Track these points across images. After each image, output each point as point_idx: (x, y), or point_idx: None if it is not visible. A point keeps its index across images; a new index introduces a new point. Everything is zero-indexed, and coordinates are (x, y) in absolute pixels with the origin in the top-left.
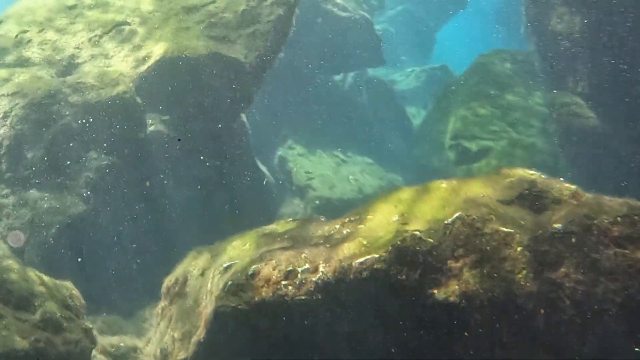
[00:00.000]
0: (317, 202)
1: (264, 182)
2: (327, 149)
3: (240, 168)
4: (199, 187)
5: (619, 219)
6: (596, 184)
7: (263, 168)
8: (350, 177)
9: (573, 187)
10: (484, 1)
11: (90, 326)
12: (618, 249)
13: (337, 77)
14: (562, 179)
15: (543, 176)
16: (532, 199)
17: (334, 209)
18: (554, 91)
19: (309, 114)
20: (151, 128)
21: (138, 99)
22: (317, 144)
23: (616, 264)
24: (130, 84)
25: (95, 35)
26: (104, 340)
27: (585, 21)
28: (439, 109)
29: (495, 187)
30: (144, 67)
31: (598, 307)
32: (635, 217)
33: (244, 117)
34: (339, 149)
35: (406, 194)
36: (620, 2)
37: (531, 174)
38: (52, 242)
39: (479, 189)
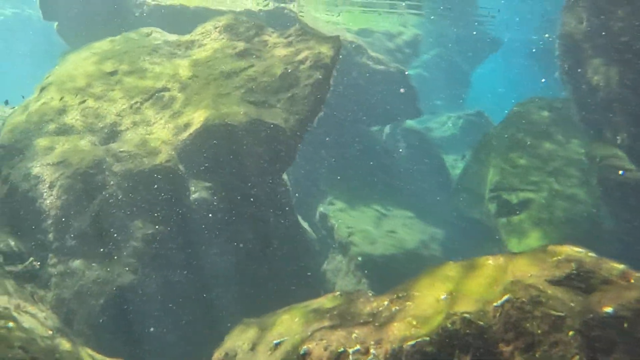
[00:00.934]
0: (360, 258)
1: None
2: (368, 203)
3: (283, 229)
4: (243, 252)
5: None
6: (638, 237)
7: (305, 224)
8: (392, 231)
9: (621, 266)
10: (518, 42)
11: None
12: None
13: (375, 128)
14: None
15: (590, 254)
16: (581, 279)
17: (376, 265)
18: (593, 142)
19: (348, 168)
20: (194, 195)
21: (180, 167)
22: (357, 198)
23: None
24: (172, 152)
25: (136, 102)
26: None
27: (622, 73)
28: (477, 160)
29: (542, 266)
30: (185, 135)
31: None
32: None
33: (285, 175)
34: (379, 203)
35: (453, 270)
36: None
37: (578, 251)
38: (100, 312)
39: (526, 268)
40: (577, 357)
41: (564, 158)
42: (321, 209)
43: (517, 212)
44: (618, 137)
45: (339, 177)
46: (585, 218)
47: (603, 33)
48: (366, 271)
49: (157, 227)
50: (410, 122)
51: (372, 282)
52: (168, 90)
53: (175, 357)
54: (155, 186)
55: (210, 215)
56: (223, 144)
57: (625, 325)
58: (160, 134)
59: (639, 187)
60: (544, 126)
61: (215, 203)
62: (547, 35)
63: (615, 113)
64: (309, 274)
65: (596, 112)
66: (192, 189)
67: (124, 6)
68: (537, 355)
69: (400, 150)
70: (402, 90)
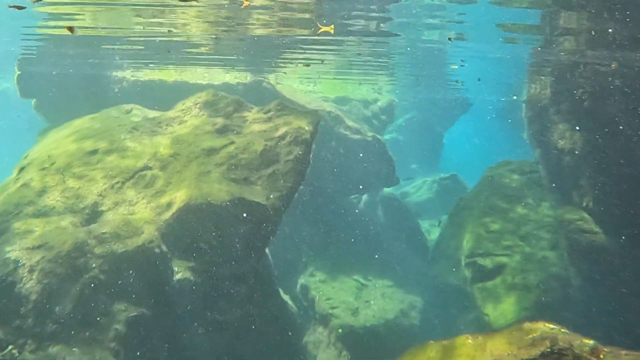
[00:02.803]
0: (340, 330)
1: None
2: (348, 273)
3: (267, 306)
4: (228, 331)
5: None
6: (606, 297)
7: (286, 297)
8: (372, 302)
9: (591, 342)
10: (486, 103)
11: None
12: None
13: (352, 197)
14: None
15: (563, 330)
16: (555, 357)
17: (357, 336)
18: (561, 206)
19: (327, 239)
20: (178, 276)
21: (164, 247)
22: (338, 268)
23: None
24: (155, 232)
25: (117, 182)
26: None
27: (586, 139)
28: (452, 225)
29: (519, 345)
30: (167, 214)
31: None
32: None
33: (267, 250)
34: (359, 273)
35: (434, 351)
36: (616, 121)
37: (552, 328)
38: None
39: (504, 347)
40: None
41: (535, 222)
42: (302, 280)
43: (492, 277)
44: (584, 201)
45: (319, 248)
46: (556, 281)
47: (566, 99)
48: (347, 343)
49: (141, 309)
50: (386, 189)
51: (353, 354)
52: (149, 169)
53: None
54: (138, 267)
55: (194, 295)
56: (206, 223)
57: None
58: (142, 214)
59: (605, 249)
60: (515, 190)
61: (199, 283)
62: (514, 97)
63: (581, 177)
64: (290, 346)
65: (563, 176)
66: (176, 269)
67: (103, 82)
68: None
69: (379, 216)
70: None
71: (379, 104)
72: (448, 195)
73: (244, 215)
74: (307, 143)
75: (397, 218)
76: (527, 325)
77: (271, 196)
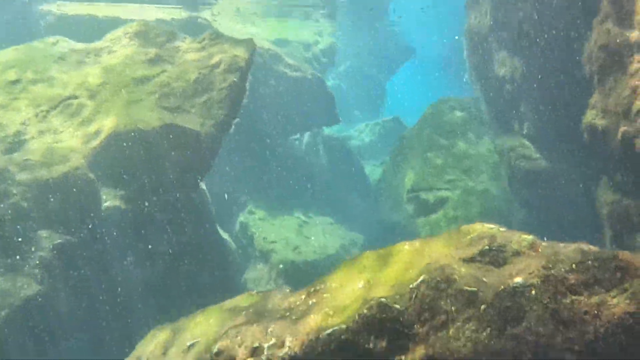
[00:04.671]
0: (281, 266)
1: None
2: (288, 211)
3: (202, 239)
4: (159, 262)
5: (574, 266)
6: (548, 224)
7: (225, 235)
8: (313, 238)
9: (530, 237)
10: (431, 50)
11: None
12: (574, 297)
13: (294, 137)
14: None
15: (501, 229)
16: (493, 254)
17: (298, 272)
18: (502, 135)
19: (268, 178)
20: (107, 204)
21: (91, 174)
22: (278, 207)
23: (573, 312)
24: (82, 160)
25: (42, 111)
26: None
27: (526, 64)
28: (394, 163)
29: (457, 246)
30: (95, 142)
31: (558, 356)
32: (589, 263)
33: (203, 185)
34: (300, 211)
35: (370, 259)
36: (550, 45)
37: (490, 228)
38: (3, 325)
39: (441, 249)
40: (489, 329)
41: (476, 156)
42: (241, 218)
43: (435, 211)
44: (524, 128)
45: (259, 187)
46: (498, 212)
47: (506, 25)
48: (288, 278)
49: (66, 237)
50: (328, 131)
51: (294, 289)
52: (76, 98)
53: None
54: (64, 195)
55: (123, 224)
56: (136, 151)
57: (533, 292)
58: (69, 142)
59: (545, 175)
60: (456, 126)
61: (129, 212)
62: (457, 37)
63: (521, 104)
64: (228, 283)
65: (503, 106)
66: (104, 197)
67: (29, 16)
68: (450, 333)
69: (320, 156)
70: None
71: (319, 46)
72: (391, 138)
73: (177, 142)
74: (243, 71)
75: (339, 159)
76: (464, 227)
77: (205, 123)
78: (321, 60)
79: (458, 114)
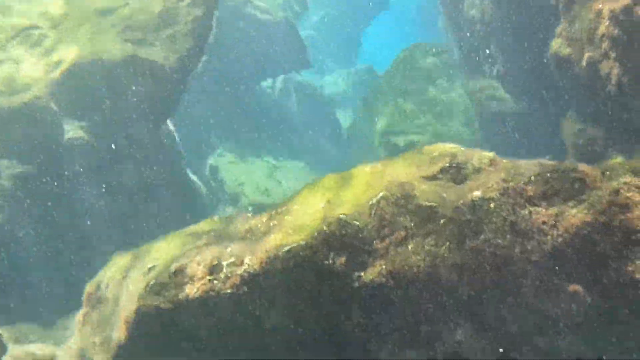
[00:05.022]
0: (251, 208)
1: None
2: (259, 155)
3: (168, 177)
4: (124, 196)
5: (532, 178)
6: None
7: (194, 177)
8: (283, 182)
9: (491, 154)
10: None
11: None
12: (533, 208)
13: (266, 84)
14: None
15: (463, 148)
16: (454, 171)
17: None
18: (472, 77)
19: (238, 122)
20: (69, 134)
21: (53, 105)
22: (248, 151)
23: (531, 223)
24: (44, 89)
25: (0, 41)
26: (17, 349)
27: (495, 4)
28: (366, 109)
29: (418, 165)
30: (57, 72)
31: (516, 267)
32: (548, 175)
33: (171, 126)
34: (271, 155)
35: (332, 181)
36: None
37: (452, 147)
38: None
39: (403, 169)
40: (448, 243)
41: (448, 101)
42: (211, 161)
43: None
44: (494, 69)
45: (229, 130)
46: None
47: None
48: None
49: (27, 166)
50: (301, 79)
51: None
52: (38, 28)
53: (54, 300)
54: (25, 124)
55: (87, 156)
56: (98, 82)
57: (492, 205)
58: (30, 72)
59: (514, 116)
60: (428, 72)
61: (92, 144)
62: None
63: (491, 45)
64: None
65: (474, 48)
66: (67, 128)
67: None
68: (410, 248)
69: (291, 103)
70: None
71: None
72: (364, 87)
73: (140, 75)
74: (209, 5)
75: (311, 105)
76: (427, 147)
77: (170, 57)
78: (294, 9)
79: (430, 59)
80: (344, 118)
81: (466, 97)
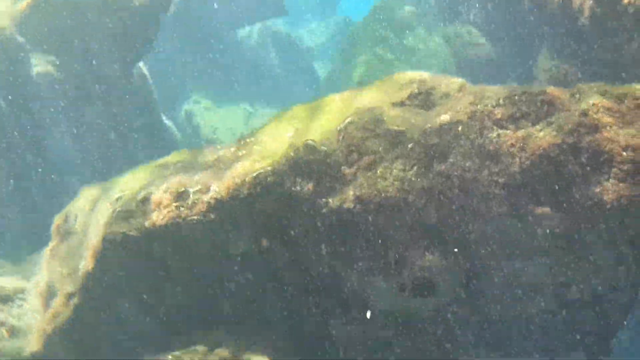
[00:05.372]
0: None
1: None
2: (235, 102)
3: (141, 119)
4: (94, 136)
5: (500, 101)
6: None
7: (169, 123)
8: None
9: (460, 80)
10: None
11: None
12: (501, 131)
13: (243, 33)
14: None
15: (432, 75)
16: (423, 97)
17: None
18: (450, 24)
19: (215, 68)
20: (37, 69)
21: (19, 38)
22: (224, 97)
23: (499, 146)
24: (9, 22)
25: None
26: None
27: None
28: (343, 59)
29: (387, 92)
30: (23, 4)
31: (484, 190)
32: (516, 97)
33: (145, 70)
34: (247, 102)
35: (300, 111)
36: None
37: (421, 74)
38: None
39: (372, 96)
40: (415, 167)
41: (426, 51)
42: (186, 107)
43: None
44: (470, 15)
45: (206, 77)
46: None
47: None
48: None
49: None
50: (278, 29)
51: None
52: None
53: (17, 233)
54: None
55: (55, 92)
56: (66, 15)
57: (460, 128)
58: None
59: (491, 61)
60: (407, 20)
61: (61, 80)
62: None
63: None
64: None
65: None
66: (34, 62)
67: None
68: (378, 173)
69: (269, 52)
70: None
71: None
72: (342, 39)
73: (111, 9)
74: None
75: (288, 54)
76: (396, 75)
77: None
78: None
79: (408, 8)
80: (322, 69)
81: (444, 46)
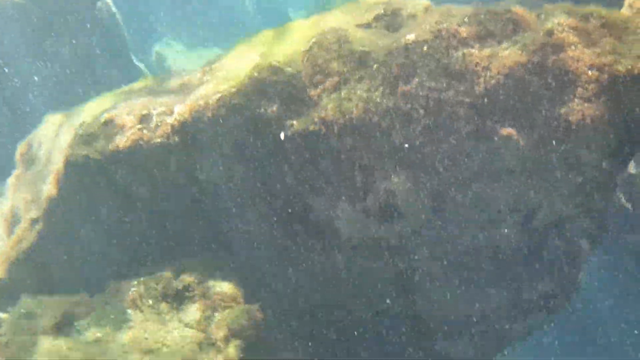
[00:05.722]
0: None
1: None
2: (207, 47)
3: (111, 59)
4: (57, 69)
5: (466, 19)
6: None
7: (140, 65)
8: None
9: (426, 1)
10: None
11: None
12: (466, 50)
13: None
14: None
15: None
16: (389, 19)
17: None
18: None
19: (188, 11)
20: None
21: None
22: (198, 42)
23: (464, 65)
24: None
25: None
26: None
27: None
28: (318, 4)
29: (354, 14)
30: None
31: (449, 110)
32: (481, 16)
33: (113, 7)
34: (220, 46)
35: (267, 35)
36: None
37: None
38: None
39: (338, 18)
40: (381, 88)
41: None
42: (157, 49)
43: None
44: None
45: (179, 20)
46: None
47: None
48: None
49: None
50: None
51: None
52: None
53: None
54: None
55: (20, 22)
56: None
57: (425, 48)
58: None
59: None
60: None
61: (26, 8)
62: None
63: None
64: None
65: None
66: None
67: None
68: (343, 94)
69: (244, 2)
70: None
71: None
72: None
73: None
74: None
75: (265, 4)
76: None
77: None
78: None
79: None
80: (297, 16)
81: None
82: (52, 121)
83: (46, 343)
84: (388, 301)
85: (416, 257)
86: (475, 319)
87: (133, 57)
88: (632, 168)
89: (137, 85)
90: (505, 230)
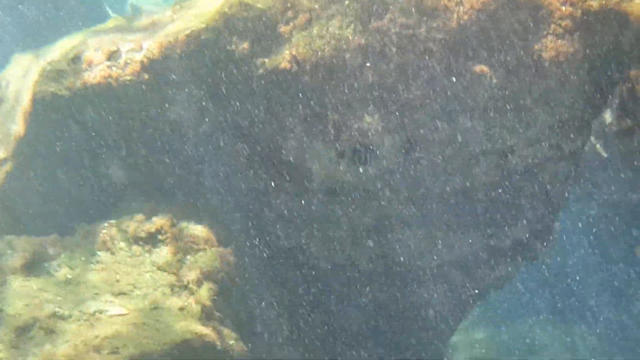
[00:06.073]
0: None
1: None
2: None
3: (82, 10)
4: (28, 18)
5: None
6: None
7: (113, 15)
8: None
9: None
10: None
11: None
12: None
13: None
14: None
15: None
16: None
17: None
18: None
19: None
20: None
21: None
22: None
23: (437, 1)
24: None
25: None
26: None
27: None
28: None
29: None
30: None
31: (422, 47)
32: None
33: None
34: None
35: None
36: None
37: None
38: None
39: None
40: (353, 25)
41: None
42: (132, 1)
43: None
44: None
45: None
46: None
47: None
48: None
49: None
50: None
51: None
52: None
53: None
54: None
55: None
56: None
57: None
58: None
59: None
60: None
61: None
62: None
63: None
64: None
65: None
66: None
67: None
68: (314, 31)
69: None
70: None
71: None
72: None
73: None
74: None
75: None
76: None
77: None
78: None
79: None
80: None
81: None
82: (20, 60)
83: (16, 283)
84: (367, 244)
85: (390, 201)
86: (449, 266)
87: (108, 10)
88: (607, 115)
89: (107, 24)
90: (480, 172)
